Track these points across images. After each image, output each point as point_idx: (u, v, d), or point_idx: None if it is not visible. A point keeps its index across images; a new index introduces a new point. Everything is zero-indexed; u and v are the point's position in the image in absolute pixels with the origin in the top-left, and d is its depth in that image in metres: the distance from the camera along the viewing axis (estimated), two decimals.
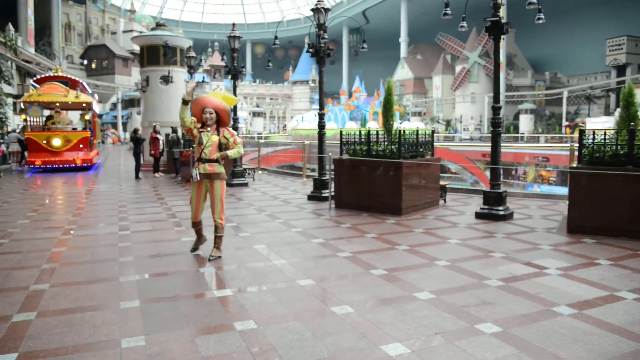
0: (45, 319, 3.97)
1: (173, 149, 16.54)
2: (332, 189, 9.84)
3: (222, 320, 3.96)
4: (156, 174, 17.38)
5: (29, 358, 3.30)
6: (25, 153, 19.99)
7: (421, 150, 9.51)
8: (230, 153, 5.74)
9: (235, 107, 12.29)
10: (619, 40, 60.15)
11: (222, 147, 5.77)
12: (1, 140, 21.71)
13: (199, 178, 5.73)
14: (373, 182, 9.07)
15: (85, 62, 68.70)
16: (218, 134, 5.73)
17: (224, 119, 5.76)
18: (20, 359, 3.29)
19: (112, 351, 3.39)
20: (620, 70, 59.91)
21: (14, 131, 23.33)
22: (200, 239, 6.20)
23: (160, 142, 17.48)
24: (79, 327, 3.80)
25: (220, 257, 5.89)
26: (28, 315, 4.06)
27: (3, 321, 3.93)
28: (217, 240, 5.92)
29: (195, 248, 6.19)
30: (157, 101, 21.11)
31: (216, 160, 5.71)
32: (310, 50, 10.78)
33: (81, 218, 8.80)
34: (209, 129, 5.73)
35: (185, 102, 5.70)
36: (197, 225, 6.04)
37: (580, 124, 44.21)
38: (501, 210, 8.42)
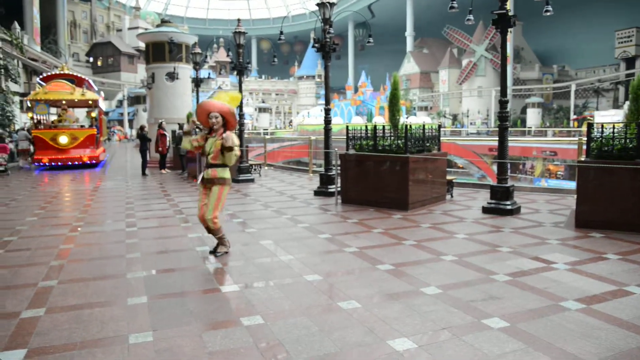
0: (53, 315, 3.99)
1: (179, 145, 16.58)
2: (339, 185, 9.83)
3: (229, 316, 3.97)
4: (163, 171, 17.44)
5: (37, 354, 3.32)
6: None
7: (428, 144, 9.47)
8: (230, 154, 5.58)
9: (241, 103, 12.26)
10: (628, 32, 59.48)
11: (223, 152, 5.58)
12: (10, 139, 21.85)
13: (198, 182, 5.78)
14: (379, 177, 9.05)
15: (91, 59, 68.94)
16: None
17: (230, 121, 5.66)
18: (30, 354, 3.31)
19: (120, 347, 3.41)
20: (630, 62, 59.25)
21: (22, 129, 23.47)
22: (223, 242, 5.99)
23: (167, 138, 17.53)
24: (87, 323, 3.82)
25: (227, 252, 5.88)
26: (37, 311, 4.09)
27: (12, 317, 3.96)
28: (219, 240, 5.88)
29: (215, 250, 5.97)
30: (163, 98, 21.18)
31: (219, 165, 5.63)
32: (316, 45, 10.74)
33: (88, 215, 8.84)
34: (214, 134, 5.63)
35: (186, 133, 5.78)
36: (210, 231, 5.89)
37: (589, 118, 43.90)
38: (508, 204, 8.38)
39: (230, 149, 5.50)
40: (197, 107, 5.72)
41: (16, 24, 35.25)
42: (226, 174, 5.71)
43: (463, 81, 66.84)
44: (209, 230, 5.84)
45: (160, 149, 17.28)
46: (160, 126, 17.34)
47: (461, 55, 69.86)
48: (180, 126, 17.01)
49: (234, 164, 5.75)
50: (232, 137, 5.52)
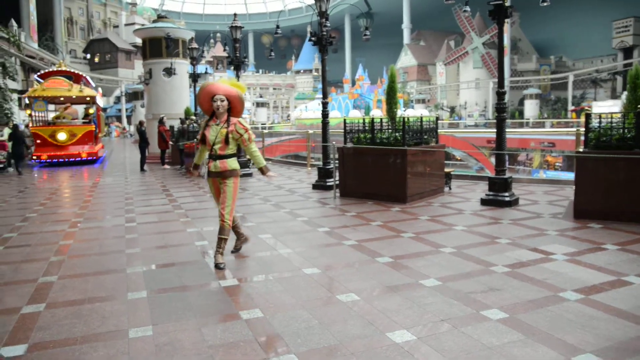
0: (54, 311, 4.00)
1: (180, 140, 16.55)
2: (337, 178, 9.83)
3: (228, 310, 3.98)
4: (165, 166, 17.47)
5: (38, 349, 3.33)
6: None
7: (425, 137, 9.47)
8: (261, 162, 5.24)
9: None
10: (626, 22, 59.30)
11: (229, 140, 5.00)
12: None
13: (205, 176, 5.41)
14: (377, 170, 9.05)
15: (89, 56, 68.69)
16: (228, 126, 4.98)
17: (236, 108, 5.03)
18: (31, 349, 3.33)
19: (120, 341, 3.42)
20: (627, 52, 59.12)
21: (27, 126, 23.40)
22: (239, 237, 5.68)
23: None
24: (88, 318, 3.83)
25: (221, 265, 5.08)
26: (37, 307, 4.10)
27: (13, 313, 3.97)
28: (219, 242, 5.13)
29: (236, 248, 5.70)
30: (160, 93, 21.14)
31: (227, 156, 5.07)
32: (313, 38, 10.72)
33: (88, 211, 8.84)
34: (217, 121, 5.02)
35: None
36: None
37: (587, 108, 43.85)
38: (507, 196, 8.39)
39: (249, 139, 5.06)
40: (200, 90, 5.06)
41: (13, 22, 35.10)
42: (235, 164, 5.17)
43: (449, 63, 66.53)
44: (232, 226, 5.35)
45: (164, 144, 17.35)
46: (161, 122, 17.28)
47: (458, 47, 69.64)
48: (182, 121, 16.96)
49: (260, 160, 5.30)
50: (244, 124, 5.05)
